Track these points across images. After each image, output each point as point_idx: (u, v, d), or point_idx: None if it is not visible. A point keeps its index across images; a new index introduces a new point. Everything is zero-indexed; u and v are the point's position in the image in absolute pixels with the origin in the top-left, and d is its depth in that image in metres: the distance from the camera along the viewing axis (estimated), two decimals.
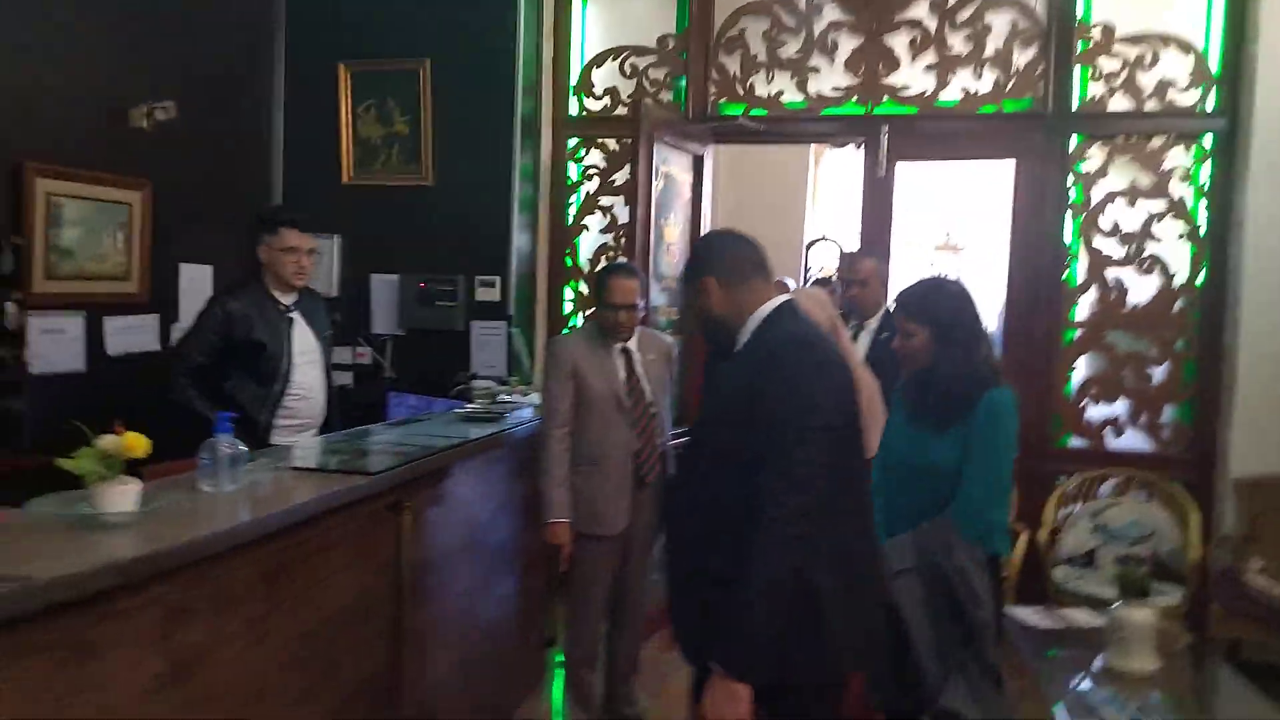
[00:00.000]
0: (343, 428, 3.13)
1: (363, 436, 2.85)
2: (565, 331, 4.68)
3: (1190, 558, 3.67)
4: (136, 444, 1.62)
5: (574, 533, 2.93)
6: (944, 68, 4.34)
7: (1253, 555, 3.71)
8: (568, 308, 4.74)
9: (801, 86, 4.51)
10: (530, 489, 3.44)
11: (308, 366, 3.13)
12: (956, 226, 4.45)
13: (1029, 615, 3.19)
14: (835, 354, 1.87)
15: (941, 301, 2.49)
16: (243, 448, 1.93)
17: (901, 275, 4.46)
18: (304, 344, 3.14)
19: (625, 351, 3.01)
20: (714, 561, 1.75)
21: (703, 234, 2.06)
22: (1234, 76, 4.05)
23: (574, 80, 4.70)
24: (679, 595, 1.89)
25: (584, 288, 4.71)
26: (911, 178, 4.49)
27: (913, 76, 4.38)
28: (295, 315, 3.15)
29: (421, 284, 4.40)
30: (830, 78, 4.48)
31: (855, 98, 4.45)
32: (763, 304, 1.88)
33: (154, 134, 3.77)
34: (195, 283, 4.09)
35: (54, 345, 3.41)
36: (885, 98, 4.41)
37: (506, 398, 3.59)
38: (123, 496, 1.60)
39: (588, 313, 4.70)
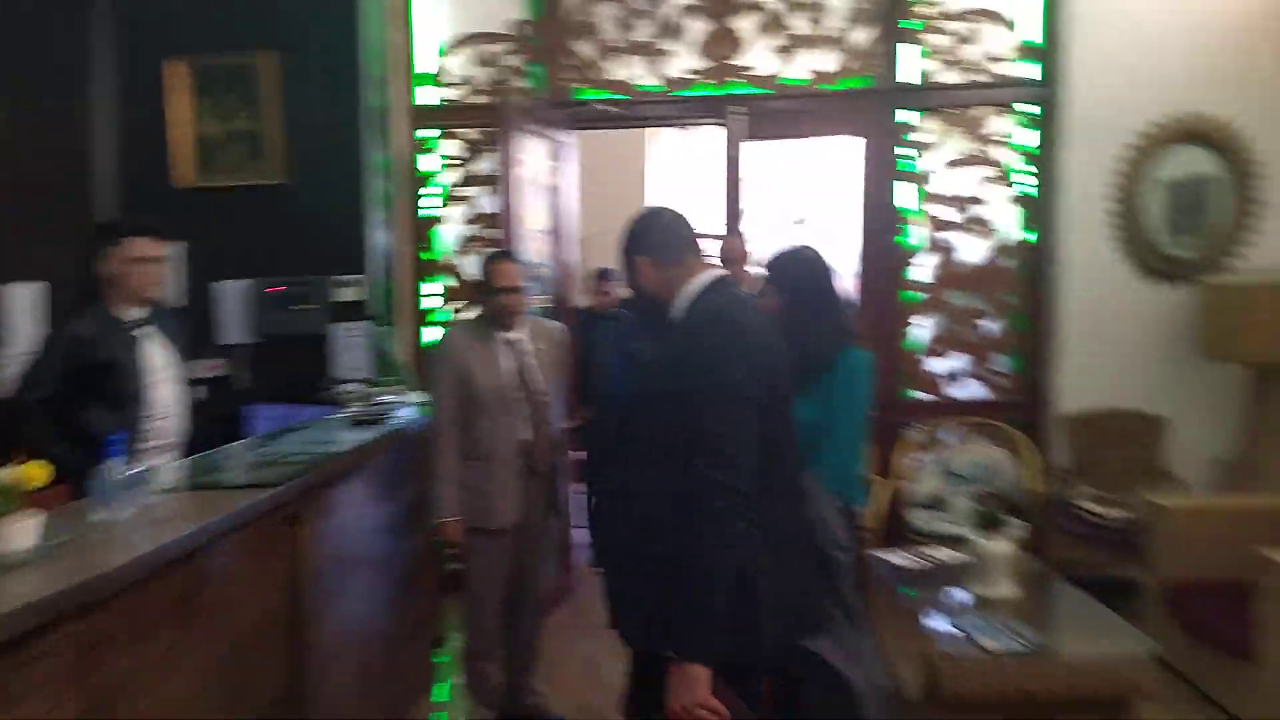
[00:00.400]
0: (204, 445, 2.96)
1: (249, 450, 2.76)
2: (435, 326, 4.65)
3: (1030, 491, 4.04)
4: (37, 474, 1.54)
5: (466, 528, 2.90)
6: (789, 49, 4.54)
7: (1081, 484, 4.13)
8: (433, 303, 4.69)
9: (655, 70, 4.61)
10: (415, 489, 3.42)
11: (164, 385, 2.87)
12: (810, 201, 4.69)
13: (896, 557, 3.45)
14: (758, 326, 1.87)
15: (791, 268, 2.66)
16: (135, 470, 1.85)
17: (760, 251, 4.66)
18: (157, 361, 2.88)
19: (511, 342, 2.99)
20: (655, 546, 1.75)
21: (639, 212, 2.01)
22: (1051, 49, 4.41)
23: (425, 70, 4.63)
24: (620, 581, 1.89)
25: (452, 281, 4.68)
26: (766, 156, 4.66)
27: (760, 58, 4.57)
28: (145, 331, 2.87)
29: (276, 288, 4.25)
30: (682, 60, 4.60)
31: (707, 79, 4.59)
32: (692, 281, 1.88)
33: None
34: (28, 302, 3.80)
35: None
36: (735, 79, 4.58)
37: (384, 398, 3.54)
38: (25, 532, 1.52)
39: (457, 306, 4.67)
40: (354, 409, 3.33)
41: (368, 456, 2.90)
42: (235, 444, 2.90)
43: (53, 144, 4.02)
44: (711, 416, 1.69)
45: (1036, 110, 4.46)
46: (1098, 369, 4.31)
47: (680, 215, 1.98)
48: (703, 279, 1.89)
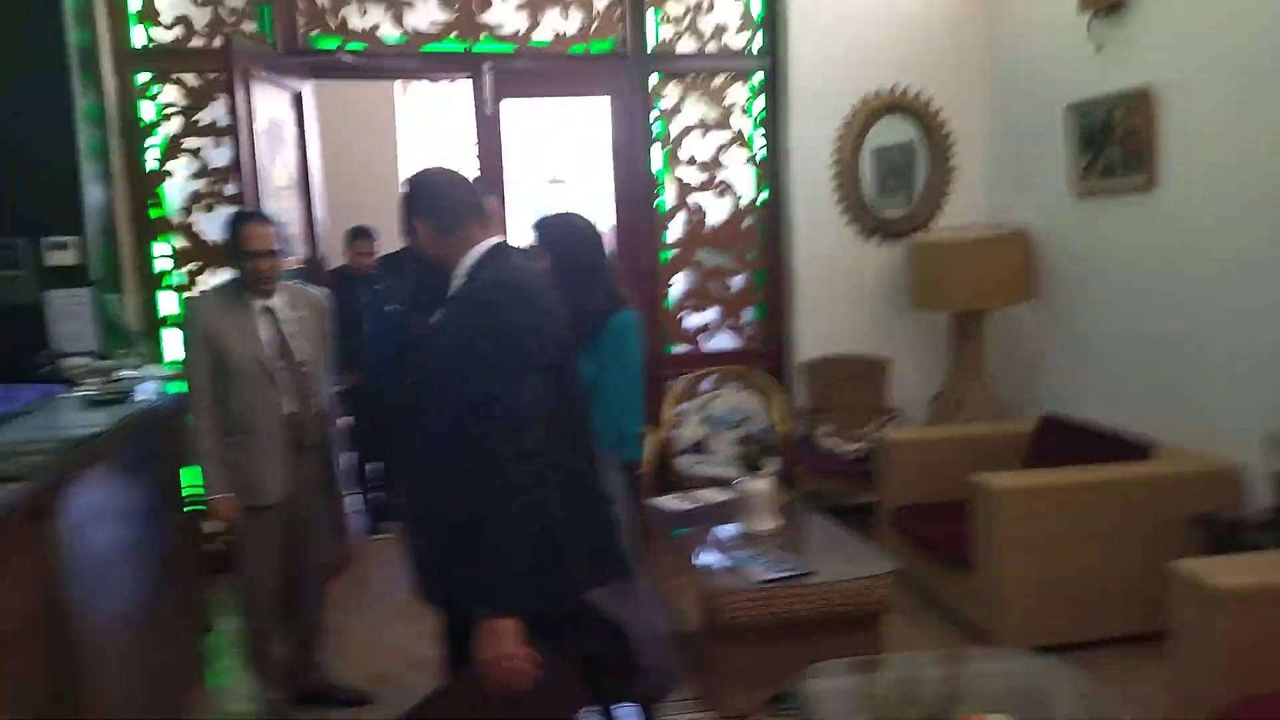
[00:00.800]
0: None
1: None
2: (169, 290, 4.24)
3: (779, 431, 4.41)
4: None
5: (238, 505, 2.75)
6: (534, 8, 4.52)
7: (822, 423, 4.56)
8: (163, 265, 4.27)
9: (398, 20, 4.43)
10: (168, 469, 3.18)
11: None
12: (564, 161, 4.74)
13: (669, 502, 3.66)
14: (541, 291, 1.90)
15: (562, 231, 2.74)
16: None
17: (516, 209, 4.66)
18: None
19: (269, 311, 2.82)
20: (452, 509, 1.78)
21: (415, 172, 2.01)
22: (772, 21, 4.73)
23: (136, 6, 4.14)
24: (420, 545, 1.90)
25: (180, 241, 4.27)
26: (521, 114, 4.64)
27: (507, 15, 4.51)
28: None
29: None
30: (426, 12, 4.45)
31: (455, 34, 4.48)
32: (475, 247, 1.88)
33: None
34: None
35: None
36: (484, 35, 4.50)
37: (124, 373, 3.20)
38: None
39: (191, 268, 4.28)
40: (89, 387, 2.98)
41: (118, 440, 2.62)
42: None
43: None
44: (503, 383, 1.72)
45: (762, 78, 4.77)
46: (829, 318, 4.75)
47: (462, 177, 1.97)
48: (483, 245, 1.89)
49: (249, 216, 2.90)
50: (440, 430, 1.81)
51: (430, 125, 7.06)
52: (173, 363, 3.93)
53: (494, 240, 1.91)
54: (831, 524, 3.42)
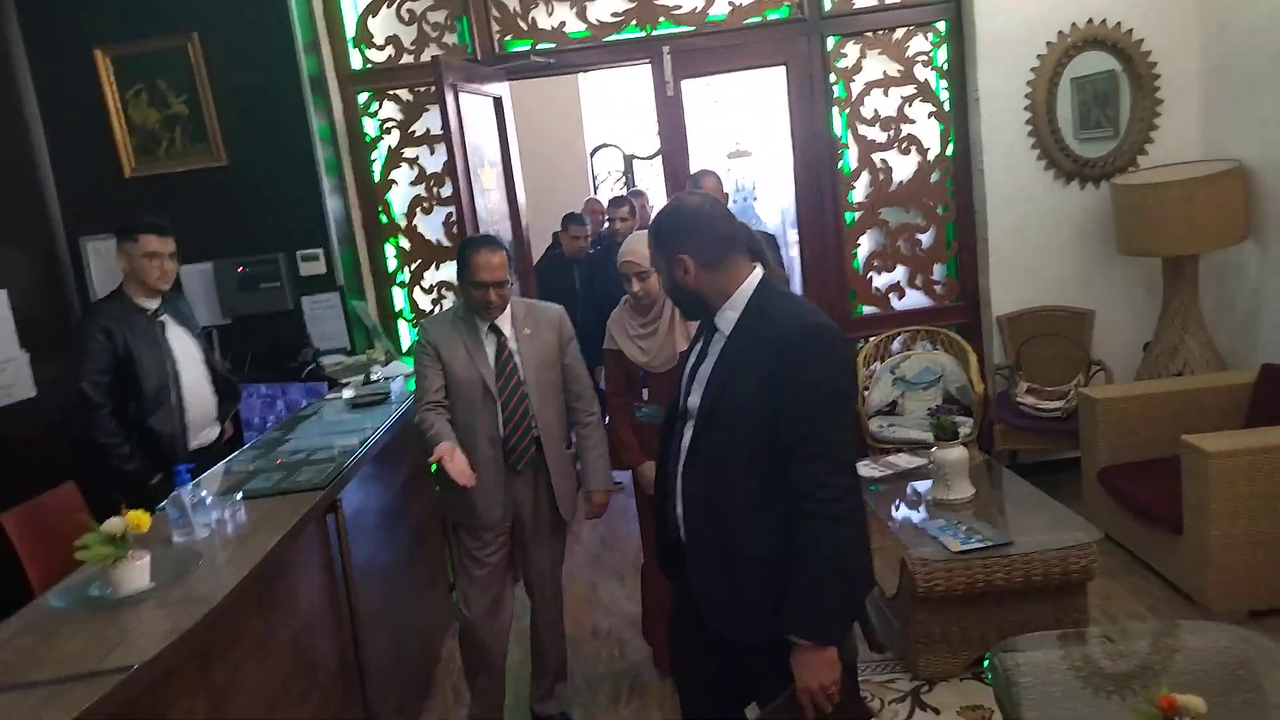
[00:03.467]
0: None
1: (272, 447, 2.91)
2: (399, 287, 4.74)
3: (975, 390, 4.40)
4: (142, 521, 1.70)
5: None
6: None
7: (1019, 379, 4.50)
8: (390, 264, 4.78)
9: (581, 15, 4.66)
10: (414, 461, 3.55)
11: (191, 367, 3.20)
12: (745, 133, 4.84)
13: (862, 468, 3.78)
14: (839, 330, 1.89)
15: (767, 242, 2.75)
16: (204, 493, 2.02)
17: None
18: (180, 345, 3.20)
19: (495, 330, 2.80)
20: (748, 543, 1.82)
21: (669, 201, 1.99)
22: None
23: (351, 33, 4.61)
24: (709, 579, 1.90)
25: (405, 243, 4.76)
26: (699, 91, 4.78)
27: None
28: (165, 319, 3.19)
29: (240, 268, 4.29)
30: (607, 3, 4.66)
31: (634, 20, 4.67)
32: (743, 281, 1.87)
33: None
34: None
35: None
36: (661, 18, 4.66)
37: (375, 369, 3.67)
38: (141, 572, 1.69)
39: (413, 267, 4.77)
40: (350, 388, 3.46)
41: (383, 439, 3.05)
42: (259, 440, 3.06)
43: None
44: (826, 424, 1.76)
45: (945, 27, 4.65)
46: (1025, 270, 4.64)
47: (722, 209, 1.92)
48: (753, 279, 1.87)
49: (478, 244, 2.77)
50: (729, 467, 1.83)
51: (612, 107, 7.31)
52: (408, 355, 4.42)
53: (758, 273, 1.89)
54: (1030, 489, 3.44)
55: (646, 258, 2.68)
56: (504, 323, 2.81)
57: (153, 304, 3.18)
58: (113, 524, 1.68)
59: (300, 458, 2.65)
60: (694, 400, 1.89)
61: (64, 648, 1.55)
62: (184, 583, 1.76)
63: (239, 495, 2.17)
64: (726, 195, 3.82)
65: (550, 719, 3.10)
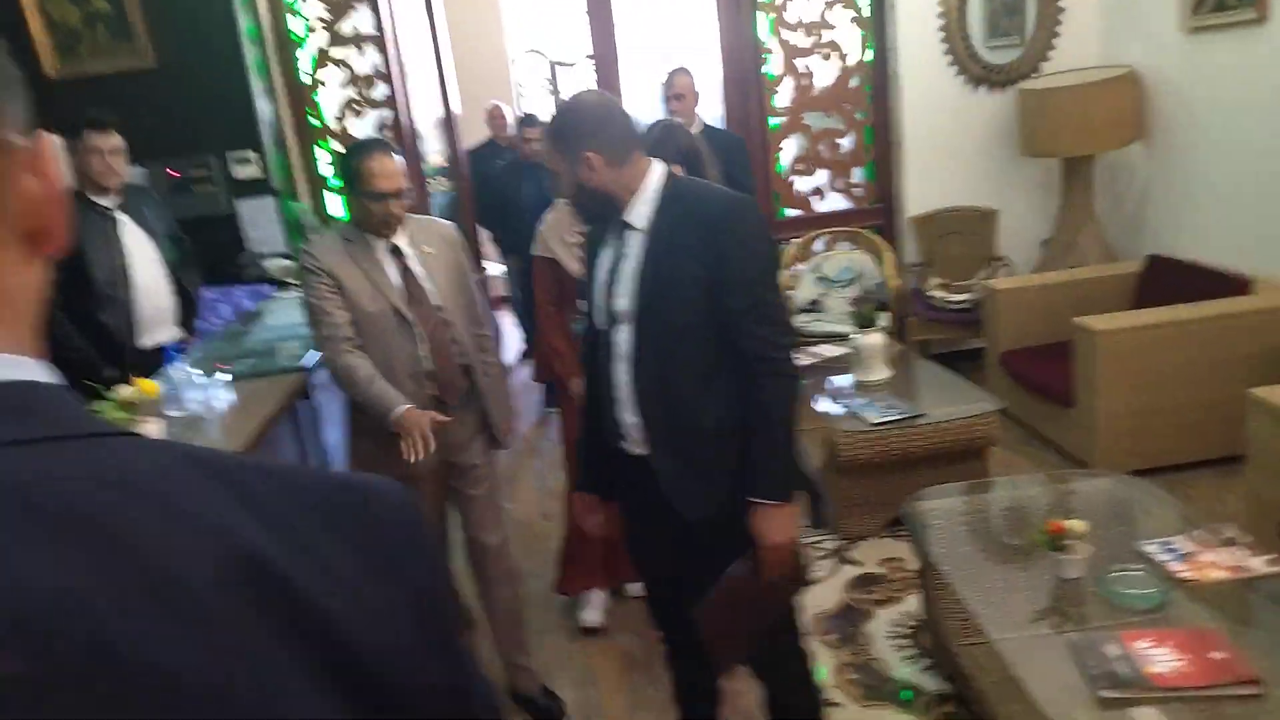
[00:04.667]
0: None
1: (241, 336, 3.00)
2: (333, 192, 4.74)
3: (890, 286, 4.71)
4: (151, 389, 1.83)
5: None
6: None
7: (930, 275, 4.83)
8: (323, 169, 4.79)
9: None
10: None
11: (145, 265, 3.21)
12: (672, 41, 4.95)
13: None
14: (755, 201, 2.04)
15: (686, 143, 2.50)
16: (193, 371, 2.14)
17: (631, 89, 4.93)
18: (135, 243, 3.21)
19: (395, 250, 2.40)
20: (706, 419, 1.87)
21: (568, 97, 1.98)
22: None
23: None
24: (673, 462, 1.91)
25: (336, 145, 4.76)
26: None
27: None
28: (119, 216, 3.19)
29: (172, 171, 4.26)
30: None
31: None
32: (646, 175, 1.87)
33: None
34: None
35: None
36: None
37: None
38: (156, 431, 1.82)
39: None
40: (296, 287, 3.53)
41: None
42: (224, 330, 3.15)
43: None
44: (768, 287, 1.87)
45: None
46: (938, 172, 4.93)
47: (620, 106, 1.90)
48: (659, 172, 1.88)
49: (370, 148, 2.34)
50: (680, 352, 1.85)
51: (536, 12, 7.26)
52: None
53: (660, 166, 1.89)
54: (939, 370, 3.78)
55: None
56: (401, 240, 2.40)
57: (106, 201, 3.17)
58: (125, 391, 1.81)
59: (267, 346, 2.76)
60: (623, 302, 1.87)
61: None
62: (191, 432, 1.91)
63: (225, 375, 2.29)
64: (697, 94, 3.81)
65: (531, 700, 2.72)
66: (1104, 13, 4.73)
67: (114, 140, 3.13)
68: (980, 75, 4.86)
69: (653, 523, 2.01)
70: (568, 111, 1.92)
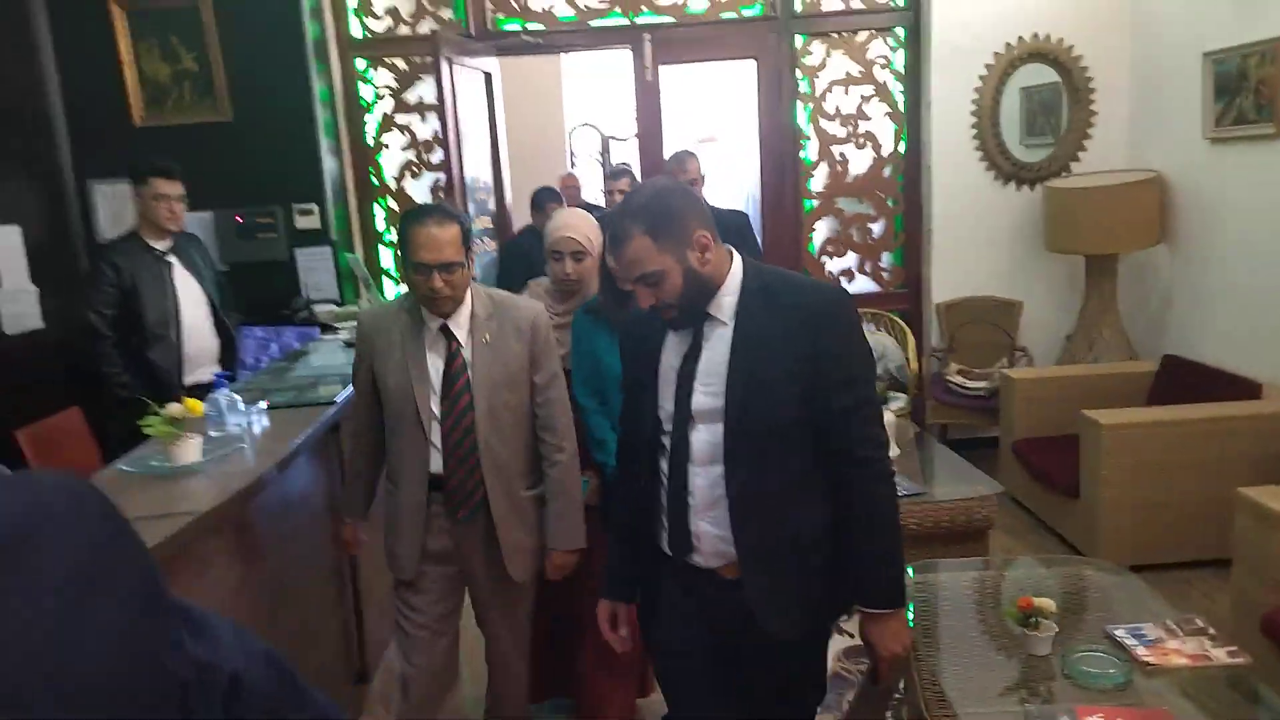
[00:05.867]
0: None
1: (283, 372, 3.24)
2: (387, 246, 5.03)
3: (911, 369, 4.84)
4: (196, 407, 2.05)
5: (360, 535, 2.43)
6: None
7: (952, 361, 4.95)
8: (379, 224, 5.10)
9: (570, 0, 5.00)
10: None
11: (192, 307, 3.48)
12: (714, 121, 5.19)
13: None
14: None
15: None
16: (237, 397, 2.36)
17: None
18: (185, 286, 3.47)
19: (446, 333, 2.18)
20: (804, 530, 1.75)
21: (641, 188, 1.80)
22: None
23: (354, 2, 4.90)
24: (775, 582, 1.76)
25: (393, 204, 5.08)
26: (674, 79, 5.15)
27: None
28: (173, 260, 3.46)
29: (238, 218, 4.59)
30: None
31: (618, 7, 5.01)
32: (730, 263, 1.75)
33: None
34: (7, 242, 4.07)
35: None
36: (643, 7, 5.01)
37: None
38: (194, 449, 2.04)
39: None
40: (347, 333, 3.78)
41: None
42: (270, 366, 3.39)
43: (8, 91, 4.20)
44: (871, 383, 1.78)
45: (904, 33, 5.07)
46: (964, 262, 5.08)
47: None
48: (738, 261, 1.77)
49: (421, 216, 2.11)
50: (784, 452, 1.72)
51: (592, 89, 7.64)
52: None
53: (736, 254, 1.79)
54: (950, 454, 3.87)
55: (587, 236, 2.52)
56: (459, 324, 2.18)
57: (163, 245, 3.44)
58: (173, 408, 2.03)
59: (309, 381, 2.98)
60: (706, 400, 1.72)
61: (136, 499, 1.89)
62: (226, 461, 2.11)
63: (263, 403, 2.51)
64: (703, 177, 4.01)
65: None
66: (1134, 119, 4.90)
67: (179, 188, 3.42)
68: (1010, 171, 5.03)
69: (713, 640, 1.85)
70: (664, 195, 1.70)
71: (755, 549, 1.74)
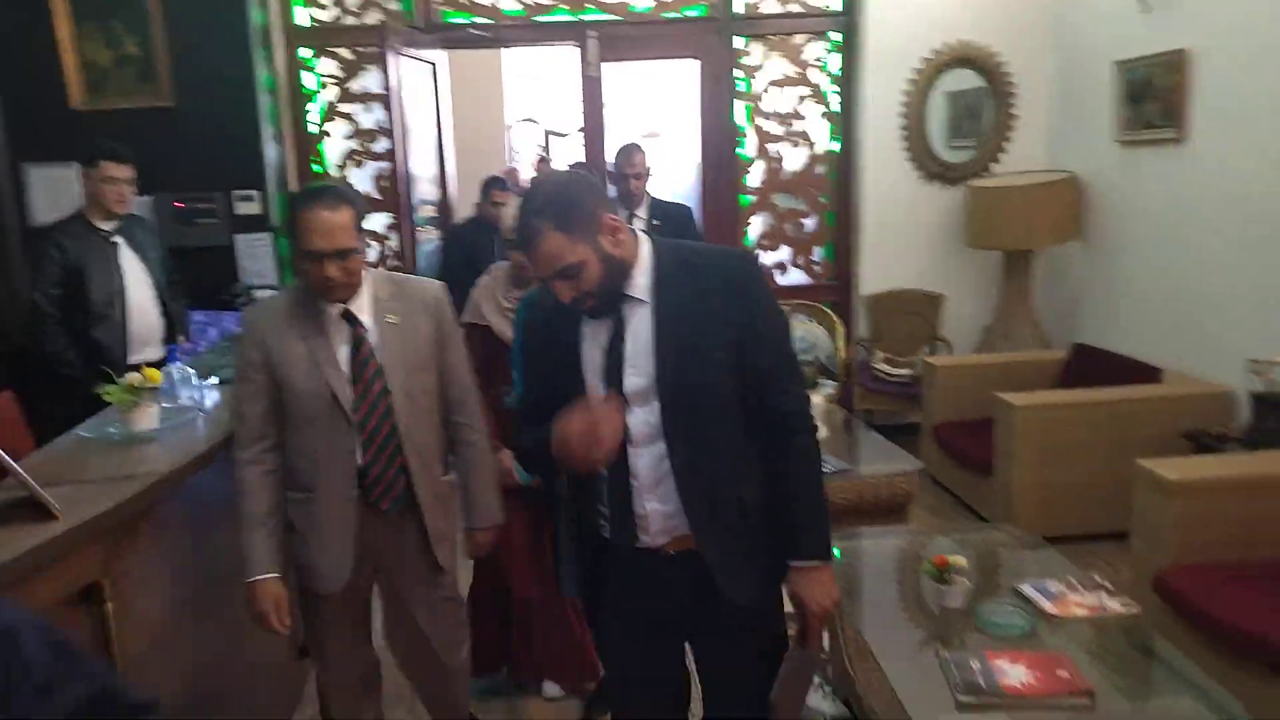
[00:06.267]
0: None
1: (228, 353, 3.26)
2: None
3: (840, 358, 5.04)
4: (155, 376, 2.11)
5: (293, 588, 2.18)
6: None
7: (877, 350, 5.17)
8: None
9: None
10: None
11: (137, 287, 3.50)
12: (657, 117, 5.35)
13: None
14: None
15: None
16: (190, 371, 2.42)
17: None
18: (130, 267, 3.50)
19: (349, 318, 2.06)
20: (749, 494, 1.76)
21: (541, 182, 1.78)
22: None
23: None
24: (722, 551, 1.76)
25: None
26: (617, 75, 5.27)
27: None
28: (119, 241, 3.49)
29: (178, 203, 4.58)
30: None
31: (564, 4, 5.12)
32: (638, 242, 1.74)
33: None
34: None
35: None
36: (589, 4, 5.13)
37: None
38: (151, 417, 2.10)
39: None
40: None
41: None
42: (219, 344, 3.42)
43: None
44: (790, 342, 1.79)
45: (840, 38, 5.28)
46: (891, 257, 5.31)
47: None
48: (645, 240, 1.76)
49: (309, 199, 1.97)
50: (721, 420, 1.72)
51: (534, 83, 7.74)
52: None
53: (637, 232, 1.77)
54: (874, 435, 4.07)
55: None
56: (360, 307, 2.07)
57: (109, 225, 3.47)
58: (132, 377, 2.09)
59: None
60: (637, 381, 1.70)
61: (97, 464, 1.96)
62: (180, 431, 2.18)
63: (214, 378, 2.56)
64: (649, 170, 4.08)
65: None
66: (1051, 123, 5.18)
67: (129, 172, 3.45)
68: (935, 171, 5.28)
69: (663, 617, 1.86)
70: (565, 187, 1.67)
71: (707, 520, 1.74)
